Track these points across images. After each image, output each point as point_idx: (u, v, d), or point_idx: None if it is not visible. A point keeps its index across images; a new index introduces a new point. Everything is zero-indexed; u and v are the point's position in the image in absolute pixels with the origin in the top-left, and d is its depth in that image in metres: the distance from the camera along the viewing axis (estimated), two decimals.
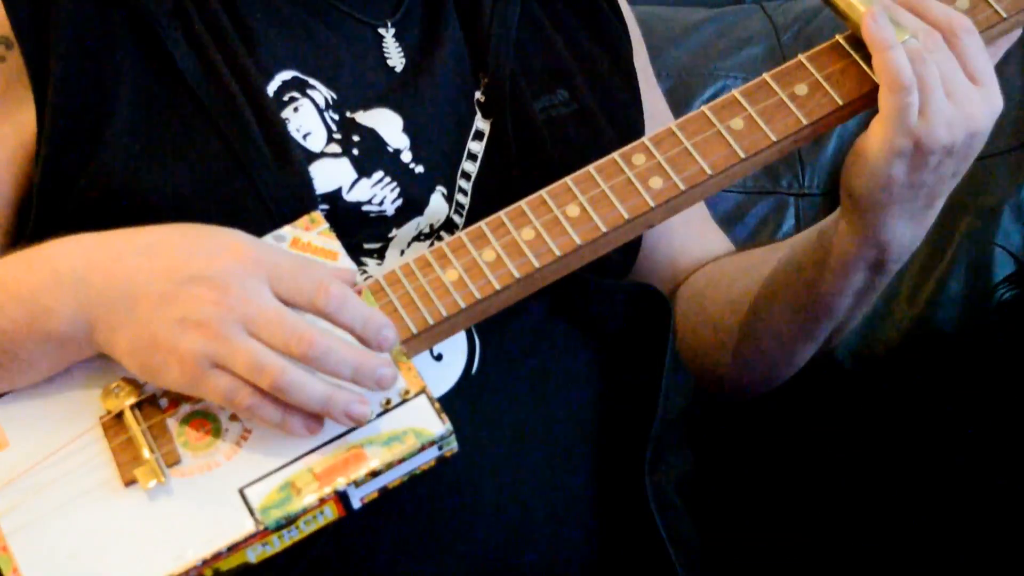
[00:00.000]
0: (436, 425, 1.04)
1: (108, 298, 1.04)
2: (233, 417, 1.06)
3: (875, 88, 1.14)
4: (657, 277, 1.38)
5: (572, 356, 1.22)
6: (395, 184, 1.19)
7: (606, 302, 1.23)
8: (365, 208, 1.18)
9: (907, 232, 1.19)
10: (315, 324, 1.03)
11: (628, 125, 1.30)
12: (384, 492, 1.04)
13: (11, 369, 1.07)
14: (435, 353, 1.16)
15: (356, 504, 1.04)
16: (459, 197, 1.22)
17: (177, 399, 1.07)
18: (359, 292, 1.09)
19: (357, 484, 1.03)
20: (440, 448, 1.04)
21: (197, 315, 1.01)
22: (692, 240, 1.41)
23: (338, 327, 1.04)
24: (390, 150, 1.20)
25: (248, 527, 1.02)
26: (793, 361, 1.34)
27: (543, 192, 1.13)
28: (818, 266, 1.24)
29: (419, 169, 1.21)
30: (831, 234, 1.22)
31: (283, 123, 1.17)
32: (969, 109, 1.13)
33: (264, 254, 1.05)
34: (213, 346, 1.01)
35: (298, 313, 1.03)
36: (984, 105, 1.14)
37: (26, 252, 1.09)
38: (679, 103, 1.63)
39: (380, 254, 1.19)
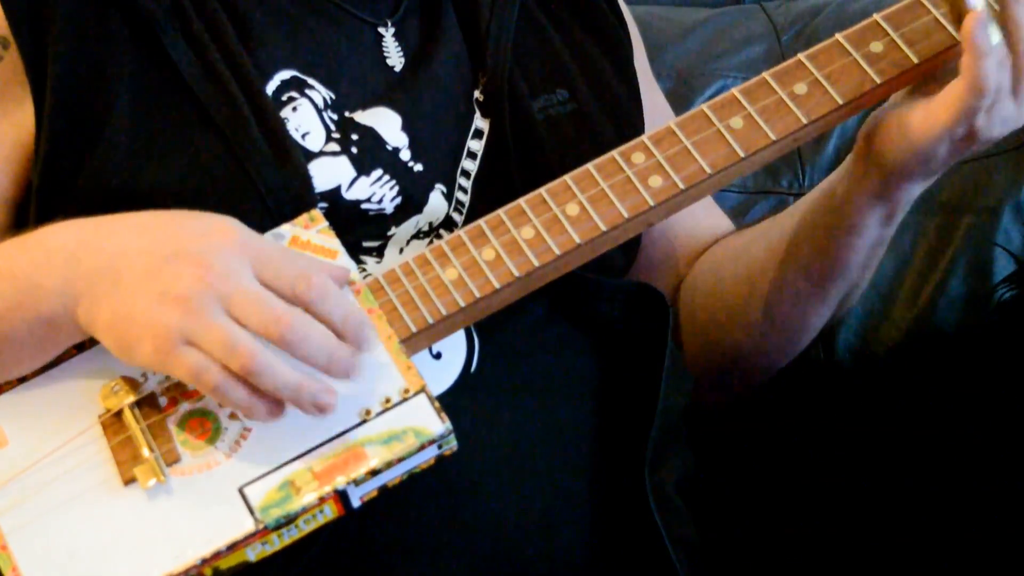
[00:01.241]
0: (435, 424, 1.04)
1: (94, 273, 1.03)
2: (232, 416, 1.06)
3: (876, 87, 1.14)
4: (665, 265, 1.39)
5: (571, 355, 1.22)
6: (394, 182, 1.19)
7: (606, 301, 1.23)
8: (364, 206, 1.18)
9: (919, 189, 1.21)
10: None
11: (628, 125, 1.30)
12: (384, 491, 1.04)
13: (4, 352, 1.07)
14: (434, 352, 1.16)
15: (356, 503, 1.04)
16: (459, 195, 1.22)
17: (176, 398, 1.07)
18: (358, 291, 1.09)
19: (357, 483, 1.03)
20: (439, 447, 1.04)
21: (176, 290, 1.01)
22: (698, 226, 1.40)
23: (317, 319, 1.03)
24: (389, 148, 1.20)
25: (248, 526, 1.02)
26: (808, 327, 1.33)
27: (542, 191, 1.13)
28: (829, 228, 1.24)
29: (418, 167, 1.21)
30: (840, 194, 1.22)
31: (282, 122, 1.17)
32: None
33: (252, 239, 1.05)
34: (187, 321, 1.00)
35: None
36: None
37: (21, 236, 1.09)
38: (679, 103, 1.63)
39: (379, 252, 1.19)
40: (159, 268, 1.02)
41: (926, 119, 1.14)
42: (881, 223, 1.22)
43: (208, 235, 1.03)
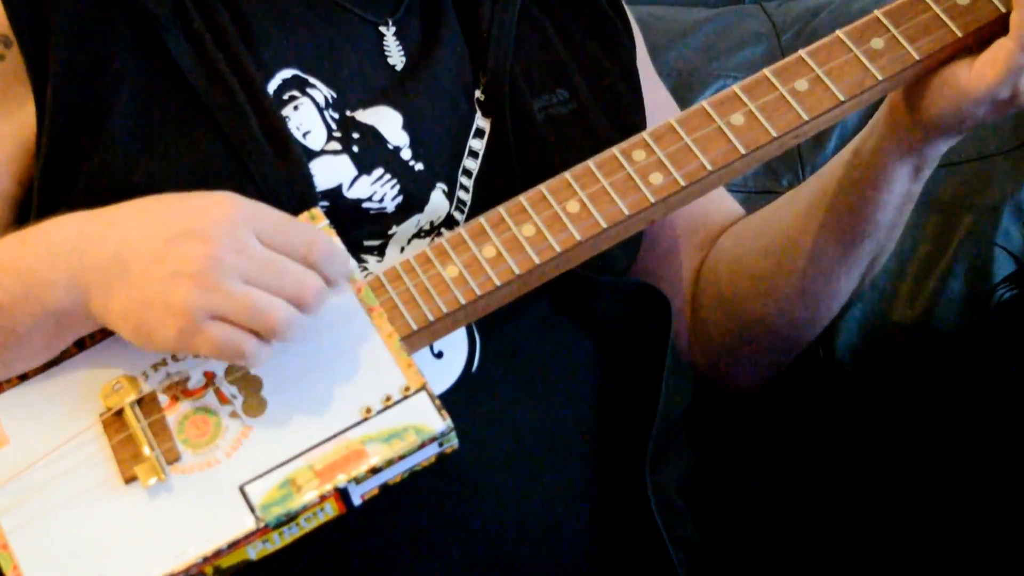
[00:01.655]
0: (436, 422, 1.04)
1: (101, 263, 1.04)
2: (233, 414, 1.06)
3: (877, 83, 1.14)
4: (681, 249, 1.39)
5: (573, 354, 1.22)
6: (395, 181, 1.19)
7: (607, 299, 1.23)
8: (365, 205, 1.18)
9: (947, 146, 1.21)
10: None
11: (629, 124, 1.30)
12: (384, 489, 1.04)
13: (9, 347, 1.07)
14: (435, 351, 1.16)
15: (356, 501, 1.04)
16: (460, 194, 1.22)
17: (177, 396, 1.07)
18: (359, 289, 1.09)
19: (358, 481, 1.03)
20: (440, 445, 1.04)
21: (189, 268, 1.01)
22: (714, 211, 1.40)
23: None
24: (390, 147, 1.20)
25: (249, 524, 1.02)
26: (837, 294, 1.32)
27: (543, 188, 1.13)
28: (858, 185, 1.24)
29: (419, 166, 1.21)
30: (868, 149, 1.23)
31: (283, 121, 1.17)
32: None
33: (251, 208, 1.05)
34: (209, 297, 1.01)
35: None
36: None
37: (21, 230, 1.09)
38: (679, 103, 1.62)
39: (380, 251, 1.19)
40: (165, 250, 1.02)
41: (971, 77, 1.14)
42: (910, 177, 1.23)
43: (208, 210, 1.04)
